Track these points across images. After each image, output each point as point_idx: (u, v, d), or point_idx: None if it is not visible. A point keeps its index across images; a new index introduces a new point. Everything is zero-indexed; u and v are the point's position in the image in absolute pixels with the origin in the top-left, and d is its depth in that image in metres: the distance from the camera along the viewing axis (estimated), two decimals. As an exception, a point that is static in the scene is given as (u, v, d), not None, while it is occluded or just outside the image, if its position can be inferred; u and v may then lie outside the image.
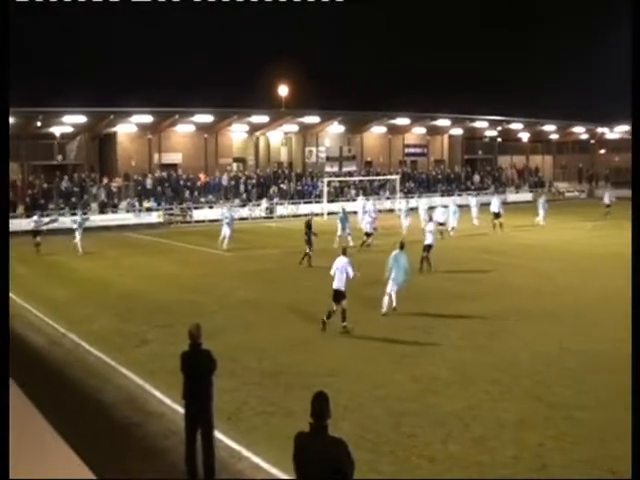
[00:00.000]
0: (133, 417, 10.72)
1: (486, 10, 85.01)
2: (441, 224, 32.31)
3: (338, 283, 15.59)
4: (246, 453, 9.23)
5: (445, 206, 36.30)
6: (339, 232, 30.60)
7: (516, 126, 70.38)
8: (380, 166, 63.41)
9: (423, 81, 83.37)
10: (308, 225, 25.97)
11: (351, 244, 29.13)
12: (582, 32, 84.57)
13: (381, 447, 9.33)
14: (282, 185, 53.38)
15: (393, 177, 56.06)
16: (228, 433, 9.71)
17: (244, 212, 47.90)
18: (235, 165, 56.67)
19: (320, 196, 51.09)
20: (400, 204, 39.73)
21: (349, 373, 12.59)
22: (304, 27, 76.65)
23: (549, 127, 72.66)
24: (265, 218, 48.08)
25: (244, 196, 50.45)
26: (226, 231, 30.45)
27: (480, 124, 67.53)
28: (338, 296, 15.52)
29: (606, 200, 44.21)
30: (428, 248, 23.50)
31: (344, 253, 16.23)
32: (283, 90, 61.87)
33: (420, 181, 61.29)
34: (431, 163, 68.90)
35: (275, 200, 50.74)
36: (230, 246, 29.96)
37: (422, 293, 19.89)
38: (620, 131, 74.90)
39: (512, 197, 61.76)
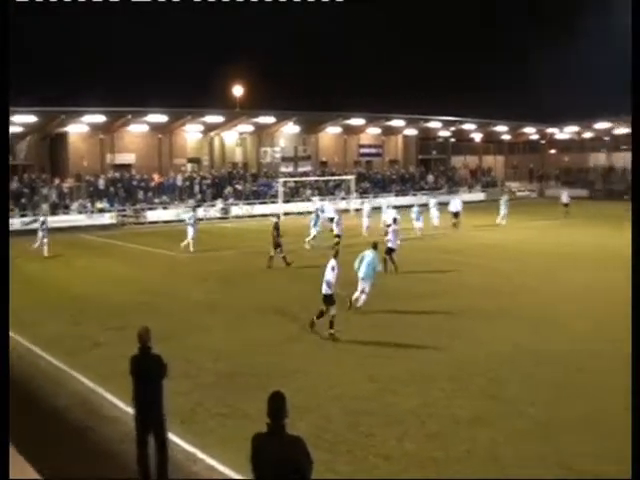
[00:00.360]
0: (86, 421, 10.54)
1: (441, 12, 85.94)
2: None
3: (324, 287, 15.20)
4: (201, 455, 9.17)
5: (422, 205, 36.85)
6: (313, 233, 30.70)
7: (469, 127, 71.44)
8: (335, 166, 63.64)
9: (377, 82, 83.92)
10: (276, 227, 25.73)
11: (307, 247, 29.35)
12: (532, 34, 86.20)
13: (338, 447, 9.36)
14: (237, 185, 53.13)
15: (348, 177, 56.30)
16: (183, 435, 9.63)
17: (199, 213, 47.52)
18: (189, 165, 56.23)
19: (275, 196, 51.00)
20: (363, 204, 39.92)
21: (306, 373, 12.60)
22: (258, 27, 76.55)
23: (501, 128, 73.92)
24: (220, 219, 47.79)
25: (199, 197, 50.06)
26: (191, 232, 29.89)
27: (434, 124, 68.32)
28: (327, 302, 15.12)
29: (564, 199, 45.10)
30: (390, 251, 23.55)
31: (335, 256, 15.80)
32: (238, 90, 61.60)
33: (375, 181, 61.67)
34: (386, 163, 69.42)
35: (230, 201, 50.48)
36: (196, 248, 29.57)
37: (383, 293, 20.02)
38: (569, 132, 76.60)
39: (465, 197, 62.51)
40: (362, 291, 17.60)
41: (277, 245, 25.33)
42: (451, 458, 8.97)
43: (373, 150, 69.69)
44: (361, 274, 17.52)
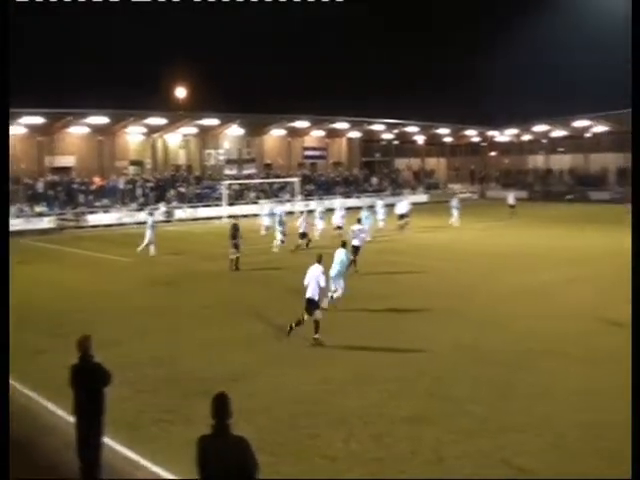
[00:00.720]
0: (25, 432, 10.26)
1: (381, 17, 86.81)
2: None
3: (312, 292, 14.75)
4: (144, 462, 9.04)
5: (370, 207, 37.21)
6: (279, 236, 30.86)
7: (412, 129, 72.37)
8: (280, 169, 63.68)
9: (322, 84, 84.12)
10: (235, 228, 25.63)
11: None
12: (474, 40, 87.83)
13: (283, 449, 9.35)
14: (181, 188, 52.63)
15: (293, 180, 56.35)
16: (126, 443, 9.47)
17: (141, 216, 46.87)
18: (132, 168, 55.45)
19: (220, 199, 50.68)
20: (317, 205, 40.23)
21: (251, 377, 12.54)
22: (202, 28, 75.92)
23: (443, 130, 75.09)
24: (163, 222, 47.18)
25: (141, 200, 49.35)
26: (149, 235, 29.38)
27: (377, 127, 69.04)
28: (311, 306, 14.69)
29: (510, 201, 46.13)
30: (356, 250, 23.63)
31: (319, 261, 15.46)
32: (181, 92, 61.03)
33: (320, 183, 61.88)
34: (330, 165, 69.78)
35: (174, 204, 49.94)
36: (157, 251, 29.20)
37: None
38: (509, 134, 78.33)
39: (409, 199, 63.31)
40: (335, 290, 17.84)
41: (236, 246, 25.33)
42: (396, 458, 9.05)
43: (317, 152, 69.97)
44: (332, 273, 17.64)
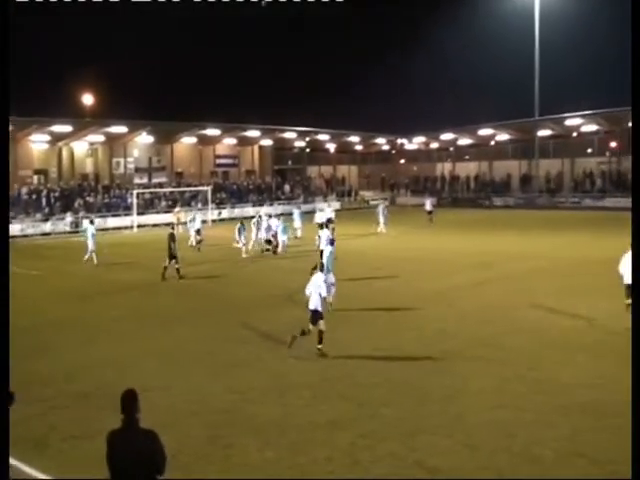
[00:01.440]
0: None
1: (295, 24, 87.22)
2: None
3: (315, 303, 14.35)
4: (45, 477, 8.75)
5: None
6: (253, 238, 31.95)
7: (323, 137, 73.01)
8: (191, 177, 62.94)
9: (233, 92, 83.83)
10: (172, 237, 25.14)
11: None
12: (382, 51, 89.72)
13: (198, 462, 9.22)
14: (88, 198, 51.18)
15: (205, 188, 55.80)
16: (34, 461, 9.12)
17: (47, 227, 45.37)
18: (36, 177, 53.50)
19: (129, 208, 49.61)
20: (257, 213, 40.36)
21: (163, 389, 12.31)
22: (110, 32, 74.24)
23: (354, 138, 76.14)
24: (70, 233, 45.78)
25: (46, 210, 47.68)
26: (91, 245, 29.01)
27: (289, 135, 69.26)
28: (316, 317, 14.29)
29: (428, 207, 47.36)
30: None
31: (322, 269, 15.15)
32: (88, 99, 59.48)
33: (232, 192, 61.53)
34: (242, 173, 69.48)
35: (81, 214, 48.50)
36: (98, 260, 28.69)
37: (235, 303, 20.09)
38: (417, 142, 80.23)
39: (321, 206, 63.82)
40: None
41: (172, 256, 24.87)
42: (311, 464, 9.08)
43: (229, 160, 69.58)
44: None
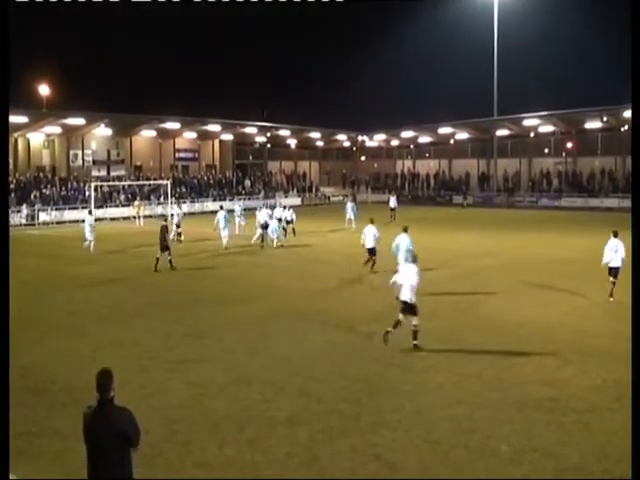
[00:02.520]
0: None
1: (258, 19, 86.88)
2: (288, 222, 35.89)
3: (408, 295, 13.96)
4: (11, 477, 8.55)
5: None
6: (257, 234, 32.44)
7: (284, 133, 72.85)
8: (150, 171, 62.27)
9: (193, 85, 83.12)
10: (164, 229, 25.19)
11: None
12: (343, 49, 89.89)
13: (155, 459, 9.09)
14: (45, 190, 50.27)
15: (164, 182, 55.27)
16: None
17: None
18: (-10, 169, 52.29)
19: (87, 201, 48.86)
20: (236, 205, 40.27)
21: (120, 384, 12.05)
22: (68, 21, 72.93)
23: (315, 134, 76.14)
24: (26, 225, 44.93)
25: (1, 202, 46.64)
26: (89, 235, 30.08)
27: (250, 130, 68.94)
28: (407, 309, 13.93)
29: (392, 204, 48.05)
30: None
31: (414, 260, 14.54)
32: (44, 89, 58.33)
33: (192, 186, 61.07)
34: (202, 168, 68.99)
35: (37, 206, 47.62)
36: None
37: (196, 298, 19.92)
38: (378, 139, 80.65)
39: (283, 202, 63.75)
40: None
41: (165, 248, 24.99)
42: (271, 461, 9.05)
43: (189, 154, 69.06)
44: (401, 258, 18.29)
